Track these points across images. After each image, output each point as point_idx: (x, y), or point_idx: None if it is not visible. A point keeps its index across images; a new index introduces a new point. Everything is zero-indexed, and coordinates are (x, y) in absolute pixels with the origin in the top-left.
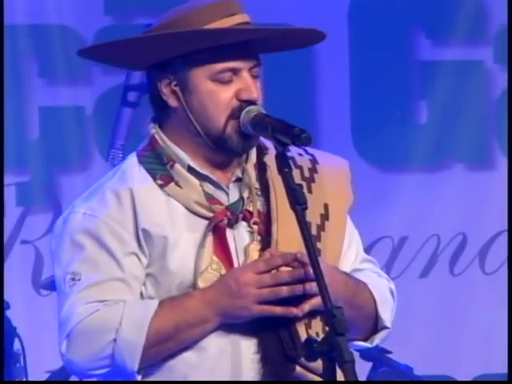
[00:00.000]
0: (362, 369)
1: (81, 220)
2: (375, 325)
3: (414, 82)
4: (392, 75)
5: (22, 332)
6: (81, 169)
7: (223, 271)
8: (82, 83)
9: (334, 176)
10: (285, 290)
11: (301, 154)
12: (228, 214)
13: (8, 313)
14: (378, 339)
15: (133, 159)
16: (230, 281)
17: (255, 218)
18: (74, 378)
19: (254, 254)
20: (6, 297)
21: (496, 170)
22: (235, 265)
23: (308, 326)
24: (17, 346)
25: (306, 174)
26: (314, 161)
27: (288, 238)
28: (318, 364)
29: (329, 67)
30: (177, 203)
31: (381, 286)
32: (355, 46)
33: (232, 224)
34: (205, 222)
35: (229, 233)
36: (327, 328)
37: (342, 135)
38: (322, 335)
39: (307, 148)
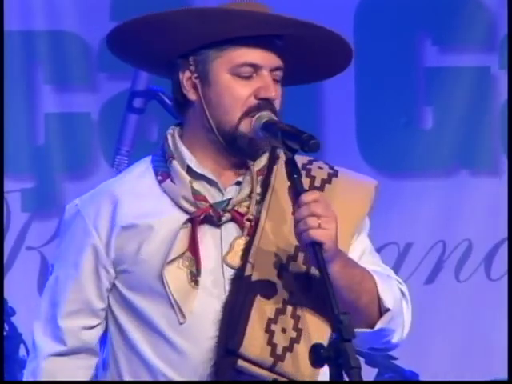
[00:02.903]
0: (368, 375)
1: (71, 210)
2: (379, 310)
3: (420, 88)
4: (398, 81)
5: (27, 338)
6: (86, 175)
7: (194, 269)
8: (87, 89)
9: (350, 189)
10: None
11: (321, 168)
12: (210, 211)
13: (13, 319)
14: (380, 323)
15: (149, 158)
16: None
17: (249, 215)
18: None
19: (238, 248)
20: (12, 303)
21: (502, 176)
22: (206, 264)
23: (272, 321)
24: (22, 352)
25: (317, 184)
26: (333, 174)
27: (270, 240)
28: (263, 357)
29: None
30: (169, 200)
31: (382, 274)
32: (361, 51)
33: (215, 222)
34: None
35: (213, 231)
36: (299, 326)
37: (348, 141)
38: (290, 332)
39: (336, 166)
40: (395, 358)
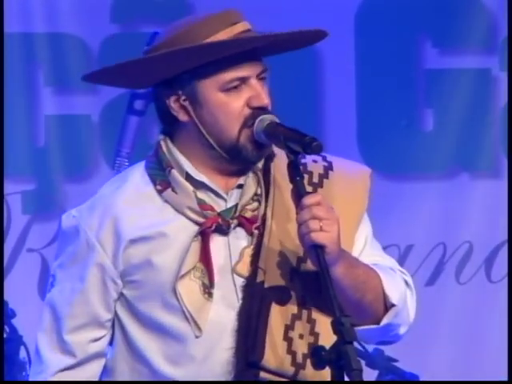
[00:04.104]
0: (369, 377)
1: (69, 222)
2: (384, 306)
3: (421, 90)
4: (398, 83)
5: (27, 340)
6: (87, 177)
7: (206, 280)
8: (88, 91)
9: (348, 182)
10: None
11: (315, 161)
12: (219, 220)
13: (14, 321)
14: (386, 319)
15: (141, 165)
16: None
17: (257, 224)
18: None
19: (247, 258)
20: (12, 305)
21: (502, 178)
22: (216, 272)
23: (289, 328)
24: (23, 354)
25: (315, 180)
26: (328, 168)
27: (278, 243)
28: (284, 367)
29: (335, 75)
30: (173, 210)
31: (386, 268)
32: (361, 53)
33: (224, 230)
34: (197, 228)
35: (221, 239)
36: (316, 330)
37: (348, 143)
38: (307, 337)
39: (328, 156)
40: (396, 360)
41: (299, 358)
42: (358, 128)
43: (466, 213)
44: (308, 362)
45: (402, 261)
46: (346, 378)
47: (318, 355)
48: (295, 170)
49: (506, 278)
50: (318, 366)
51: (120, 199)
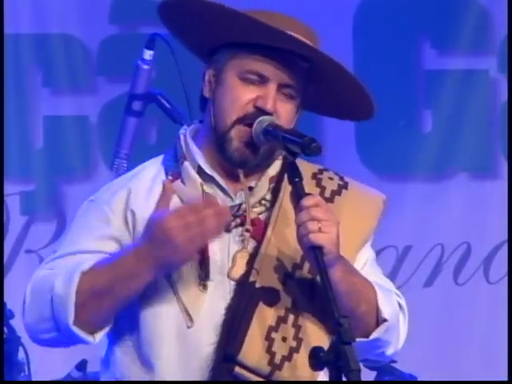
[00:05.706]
0: (366, 378)
1: (86, 206)
2: (376, 321)
3: (419, 91)
4: (397, 84)
5: (26, 341)
6: (85, 178)
7: (202, 272)
8: (86, 92)
9: (360, 202)
10: (212, 227)
11: (331, 178)
12: None
13: (12, 322)
14: (376, 333)
15: (159, 158)
16: (156, 230)
17: (247, 226)
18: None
19: (242, 261)
20: (10, 306)
21: (500, 178)
22: (213, 267)
23: (273, 329)
24: (21, 355)
25: (327, 195)
26: (343, 186)
27: (276, 248)
28: (260, 365)
29: None
30: (178, 201)
31: (382, 286)
32: (360, 55)
33: (225, 228)
34: None
35: (224, 235)
36: (300, 336)
37: (347, 144)
38: (290, 341)
39: (346, 177)
40: (394, 361)
41: (277, 359)
42: (356, 128)
43: (464, 213)
44: (286, 364)
45: (399, 262)
46: (344, 379)
47: (316, 356)
48: (294, 172)
49: (505, 279)
50: (317, 367)
51: (134, 182)
